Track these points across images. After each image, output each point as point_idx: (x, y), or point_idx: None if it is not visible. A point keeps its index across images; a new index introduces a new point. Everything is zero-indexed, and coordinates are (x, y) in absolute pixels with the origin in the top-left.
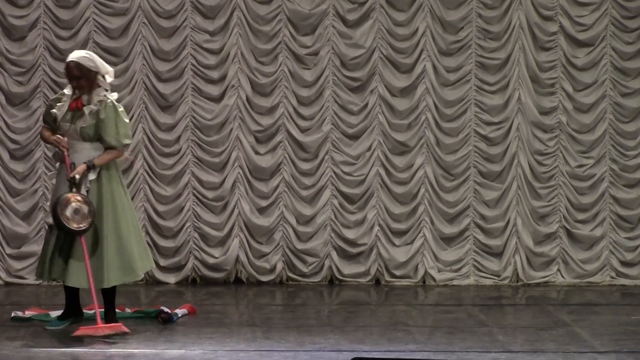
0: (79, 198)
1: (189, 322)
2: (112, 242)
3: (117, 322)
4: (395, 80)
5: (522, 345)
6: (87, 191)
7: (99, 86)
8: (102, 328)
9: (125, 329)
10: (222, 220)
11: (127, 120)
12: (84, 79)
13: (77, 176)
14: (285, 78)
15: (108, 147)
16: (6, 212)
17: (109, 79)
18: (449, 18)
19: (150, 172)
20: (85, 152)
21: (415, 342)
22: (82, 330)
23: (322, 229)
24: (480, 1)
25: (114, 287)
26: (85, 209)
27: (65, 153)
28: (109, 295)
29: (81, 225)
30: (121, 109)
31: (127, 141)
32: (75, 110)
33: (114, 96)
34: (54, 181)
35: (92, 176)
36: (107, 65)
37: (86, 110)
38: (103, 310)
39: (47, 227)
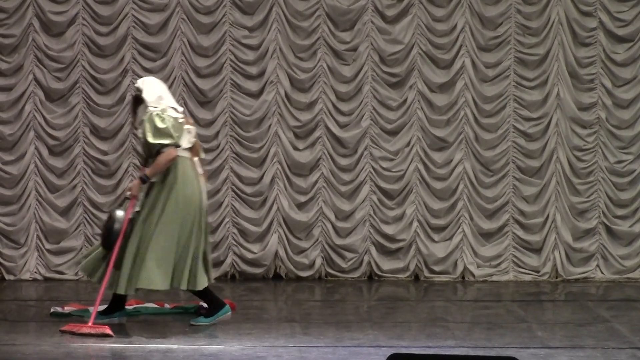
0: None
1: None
2: (133, 250)
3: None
4: (434, 76)
5: (561, 341)
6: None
7: (147, 106)
8: (86, 327)
9: (109, 332)
10: (261, 215)
11: (162, 123)
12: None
13: (128, 193)
14: (324, 74)
15: (156, 154)
16: (45, 208)
17: (151, 97)
18: (487, 14)
19: None
20: None
21: (454, 338)
22: (68, 327)
23: (361, 224)
24: None
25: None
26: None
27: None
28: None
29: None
30: (162, 115)
31: (160, 140)
32: None
33: (162, 105)
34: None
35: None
36: (152, 85)
37: (140, 128)
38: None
39: None
